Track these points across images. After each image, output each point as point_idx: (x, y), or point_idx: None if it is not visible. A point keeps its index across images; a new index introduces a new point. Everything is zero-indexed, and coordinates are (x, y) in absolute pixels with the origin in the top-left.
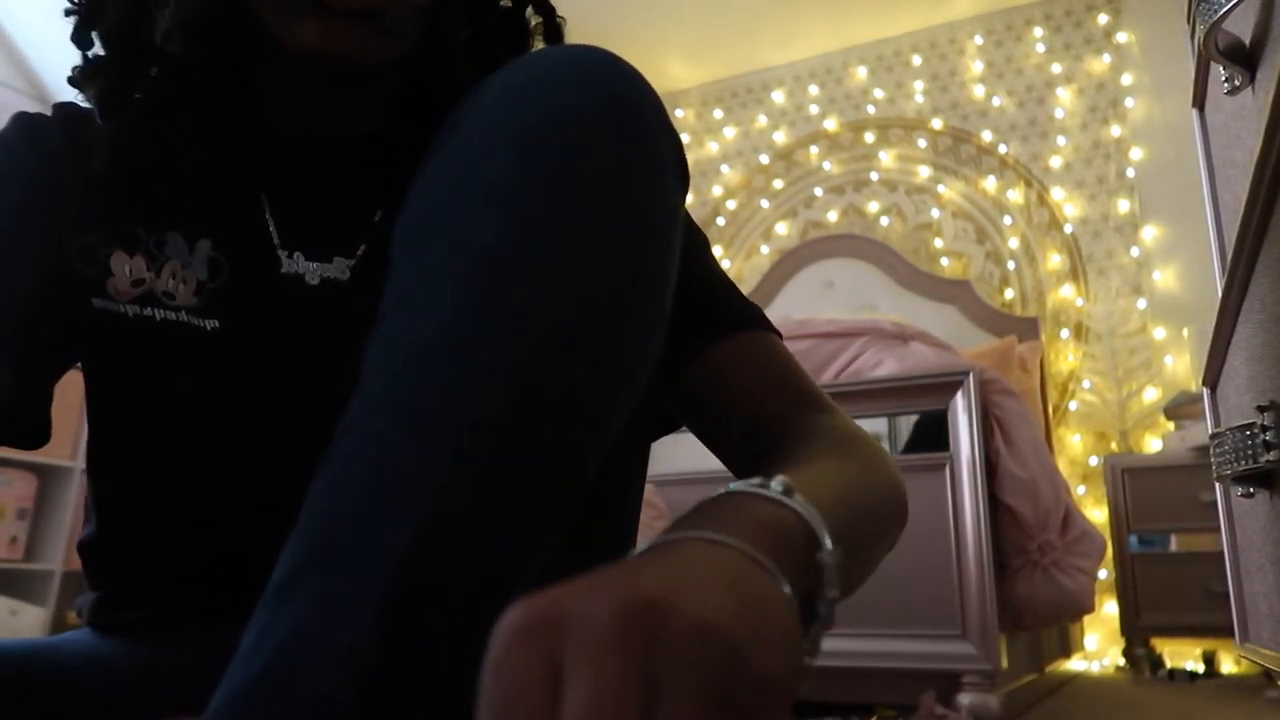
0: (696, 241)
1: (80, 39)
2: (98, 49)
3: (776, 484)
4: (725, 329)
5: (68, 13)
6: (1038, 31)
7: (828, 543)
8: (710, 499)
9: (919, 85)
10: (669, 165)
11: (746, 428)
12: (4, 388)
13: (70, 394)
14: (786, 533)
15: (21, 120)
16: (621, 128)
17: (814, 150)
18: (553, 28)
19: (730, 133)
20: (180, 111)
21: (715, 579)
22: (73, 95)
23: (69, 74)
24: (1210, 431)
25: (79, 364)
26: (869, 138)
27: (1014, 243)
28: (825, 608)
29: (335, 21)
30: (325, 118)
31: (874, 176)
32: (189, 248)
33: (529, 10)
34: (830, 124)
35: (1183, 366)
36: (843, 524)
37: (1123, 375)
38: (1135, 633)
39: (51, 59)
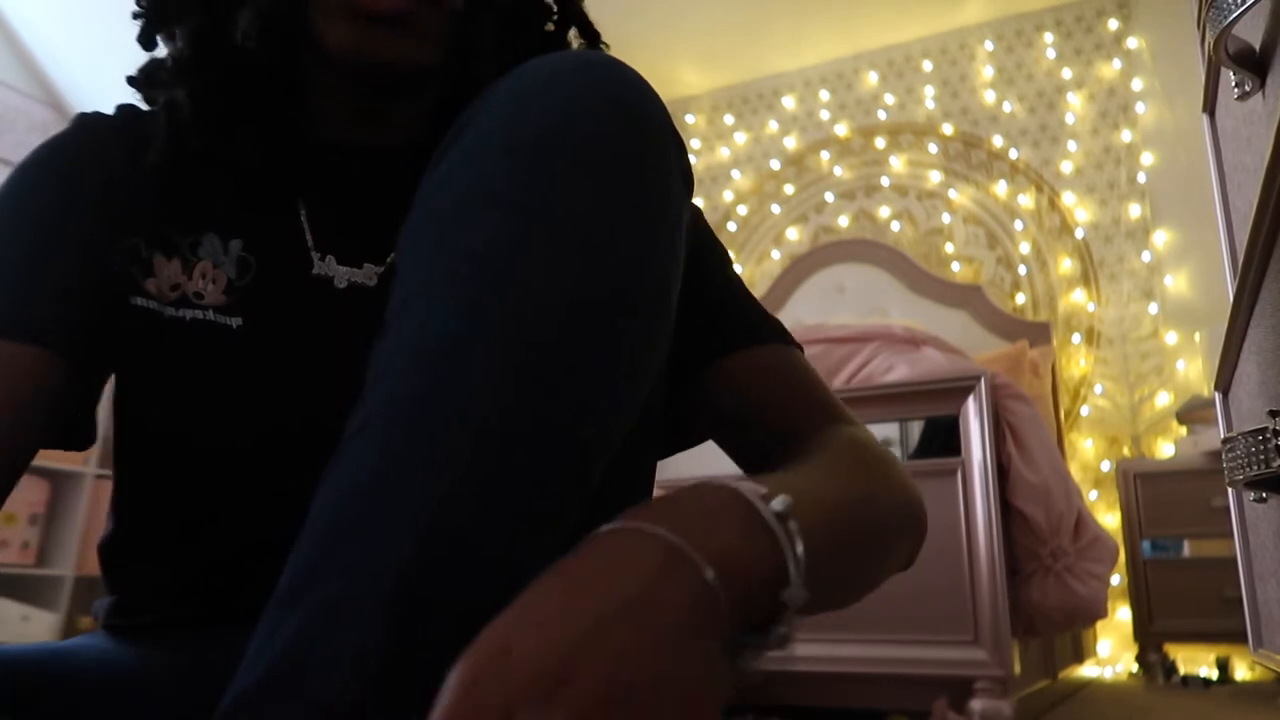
0: (716, 254)
1: (146, 40)
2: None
3: (752, 484)
4: (741, 342)
5: (135, 15)
6: (1048, 37)
7: (798, 548)
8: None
9: (930, 91)
10: (672, 169)
11: (765, 437)
12: (65, 393)
13: None
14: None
15: (82, 121)
16: (624, 131)
17: (825, 155)
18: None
19: (741, 138)
20: (230, 114)
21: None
22: (85, 101)
23: (131, 74)
24: (1222, 436)
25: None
26: (880, 143)
27: (1025, 248)
28: (783, 625)
29: (366, 25)
30: (366, 129)
31: (885, 182)
32: (223, 247)
33: (570, 32)
34: (841, 129)
35: (1195, 371)
36: (823, 525)
37: (1135, 380)
38: (1148, 639)
39: (64, 64)
